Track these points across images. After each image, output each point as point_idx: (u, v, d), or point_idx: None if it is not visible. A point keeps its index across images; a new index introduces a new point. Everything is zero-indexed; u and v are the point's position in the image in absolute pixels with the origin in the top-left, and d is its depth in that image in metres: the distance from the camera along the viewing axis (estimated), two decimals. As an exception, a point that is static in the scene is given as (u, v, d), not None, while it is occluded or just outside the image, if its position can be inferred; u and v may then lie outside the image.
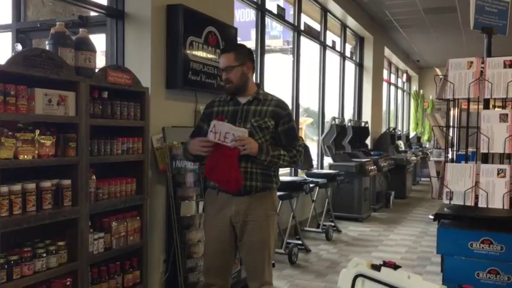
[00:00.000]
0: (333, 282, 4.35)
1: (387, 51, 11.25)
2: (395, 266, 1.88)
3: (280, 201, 4.95)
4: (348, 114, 9.30)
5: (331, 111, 8.38)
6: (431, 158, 13.46)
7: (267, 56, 5.65)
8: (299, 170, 6.62)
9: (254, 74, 2.92)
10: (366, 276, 1.92)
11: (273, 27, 7.33)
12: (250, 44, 6.38)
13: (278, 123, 2.72)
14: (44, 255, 2.39)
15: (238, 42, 4.42)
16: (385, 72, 11.83)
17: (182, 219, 3.39)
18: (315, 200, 6.15)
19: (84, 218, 2.60)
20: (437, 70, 6.64)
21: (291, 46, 6.83)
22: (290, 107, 6.01)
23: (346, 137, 8.01)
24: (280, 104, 2.78)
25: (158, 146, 3.41)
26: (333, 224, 6.45)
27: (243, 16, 6.59)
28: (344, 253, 5.41)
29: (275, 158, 2.65)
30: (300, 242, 5.36)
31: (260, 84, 2.88)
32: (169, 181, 3.39)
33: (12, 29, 3.84)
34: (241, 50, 2.81)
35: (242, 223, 2.70)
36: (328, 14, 7.83)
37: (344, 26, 8.75)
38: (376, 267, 1.90)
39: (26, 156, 2.29)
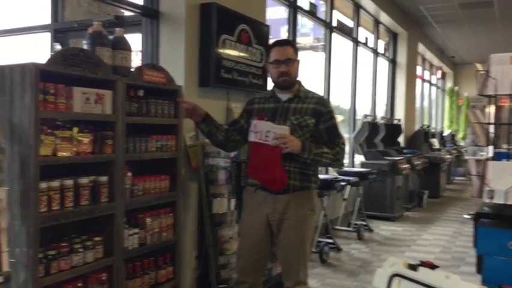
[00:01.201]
0: (365, 282, 4.31)
1: (421, 47, 11.03)
2: (432, 266, 1.84)
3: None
4: (380, 111, 9.17)
5: (363, 109, 8.28)
6: (466, 156, 13.18)
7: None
8: (330, 168, 6.57)
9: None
10: (402, 276, 1.88)
11: (303, 24, 7.28)
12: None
13: (319, 121, 2.69)
14: (81, 250, 2.44)
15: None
16: (419, 69, 11.60)
17: (214, 217, 3.42)
18: (346, 198, 6.10)
19: (120, 214, 2.65)
20: (478, 65, 6.47)
21: (322, 43, 6.77)
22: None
23: (378, 135, 7.90)
24: (321, 101, 2.76)
25: (191, 144, 3.44)
26: (364, 223, 6.38)
27: (273, 14, 6.57)
28: (376, 252, 5.34)
29: (318, 156, 2.62)
30: (331, 240, 5.33)
31: (300, 82, 2.85)
32: (201, 178, 3.42)
33: (51, 29, 3.95)
34: (295, 46, 2.83)
35: (279, 221, 2.69)
36: (360, 9, 7.73)
37: (377, 22, 8.62)
38: (413, 267, 1.86)
39: (64, 153, 2.34)
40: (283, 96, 2.76)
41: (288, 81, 2.73)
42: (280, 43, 2.81)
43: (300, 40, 7.02)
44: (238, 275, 2.87)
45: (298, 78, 2.81)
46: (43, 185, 2.24)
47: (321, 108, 2.72)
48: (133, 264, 2.81)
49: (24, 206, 2.18)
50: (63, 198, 2.35)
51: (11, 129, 2.20)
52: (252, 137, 2.70)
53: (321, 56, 6.71)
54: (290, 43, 2.86)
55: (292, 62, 2.71)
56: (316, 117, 2.69)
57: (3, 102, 2.23)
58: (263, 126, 2.66)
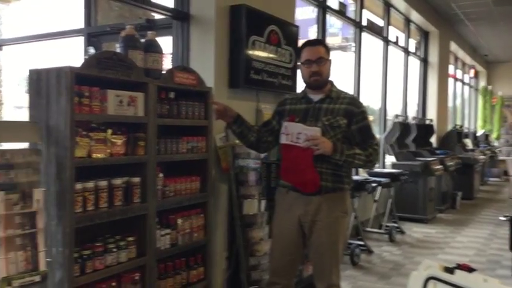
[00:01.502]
0: (398, 285, 4.23)
1: (453, 46, 10.79)
2: (470, 269, 1.80)
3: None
4: (412, 111, 9.01)
5: (394, 109, 8.16)
6: (500, 157, 12.83)
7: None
8: (360, 169, 6.49)
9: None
10: (438, 279, 1.84)
11: (332, 24, 7.23)
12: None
13: (351, 122, 2.65)
14: (115, 250, 2.49)
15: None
16: (451, 68, 11.36)
17: (244, 218, 3.42)
18: (377, 200, 6.02)
19: (152, 214, 2.68)
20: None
21: (350, 43, 6.71)
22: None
23: (409, 135, 7.77)
24: (353, 101, 2.72)
25: (221, 145, 3.45)
26: (396, 225, 6.28)
27: (301, 14, 6.54)
28: (408, 255, 5.25)
29: (350, 158, 2.57)
30: (362, 242, 5.26)
31: (333, 82, 2.81)
32: (231, 179, 3.43)
33: (84, 33, 4.03)
34: (327, 45, 2.79)
35: (310, 223, 2.66)
36: (391, 8, 7.62)
37: (408, 21, 8.48)
38: (450, 270, 1.82)
39: (98, 155, 2.39)
40: (315, 97, 2.74)
41: (320, 81, 2.70)
42: (311, 43, 2.78)
43: (329, 40, 6.97)
44: (270, 276, 2.86)
45: (330, 79, 2.78)
46: (78, 186, 2.29)
47: (354, 108, 2.68)
48: (165, 264, 2.84)
49: (61, 206, 2.23)
50: (97, 199, 2.39)
51: (48, 131, 2.26)
52: (283, 139, 2.69)
53: (350, 56, 6.64)
54: (322, 42, 2.82)
55: (323, 62, 2.68)
56: (348, 117, 2.65)
57: (40, 105, 2.29)
58: (294, 128, 2.64)
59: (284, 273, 2.78)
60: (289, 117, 2.72)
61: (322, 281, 2.71)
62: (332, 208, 2.66)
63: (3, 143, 2.36)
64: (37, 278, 2.11)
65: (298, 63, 2.80)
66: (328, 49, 2.77)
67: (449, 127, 10.77)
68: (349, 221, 5.17)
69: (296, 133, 2.61)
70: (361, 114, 2.68)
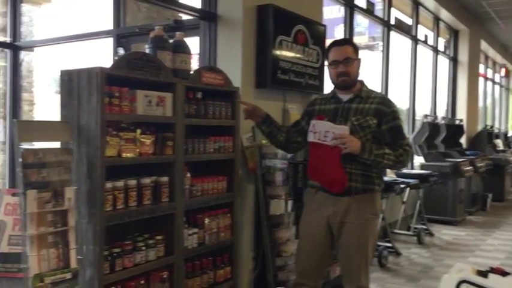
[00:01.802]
0: (427, 288, 4.17)
1: (484, 45, 10.55)
2: (503, 273, 1.75)
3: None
4: (441, 111, 8.85)
5: (422, 109, 8.02)
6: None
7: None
8: (388, 170, 6.40)
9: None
10: (471, 282, 1.80)
11: (358, 23, 7.16)
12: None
13: (381, 122, 2.59)
14: (144, 248, 2.51)
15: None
16: (481, 67, 11.10)
17: (271, 218, 3.41)
18: (405, 201, 5.93)
19: (180, 213, 2.70)
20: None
21: (377, 42, 6.63)
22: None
23: (439, 136, 7.63)
24: (384, 101, 2.66)
25: (248, 145, 3.45)
26: (425, 227, 6.17)
27: (327, 13, 6.49)
28: (438, 258, 5.15)
29: (379, 157, 2.52)
30: (390, 244, 5.18)
31: (363, 81, 2.77)
32: (258, 180, 3.42)
33: (113, 34, 4.09)
34: (355, 45, 2.75)
35: (339, 224, 2.63)
36: (419, 7, 7.50)
37: (437, 19, 8.33)
38: (483, 274, 1.78)
39: (128, 154, 2.41)
40: (344, 97, 2.70)
41: (348, 81, 2.66)
42: (338, 43, 2.74)
43: (355, 39, 6.91)
44: (296, 277, 2.84)
45: (359, 78, 2.74)
46: (108, 185, 2.32)
47: (384, 108, 2.62)
48: (192, 263, 2.86)
49: (91, 205, 2.27)
50: (127, 198, 2.43)
51: (79, 131, 2.30)
52: (311, 137, 2.66)
53: (378, 55, 6.56)
54: (349, 42, 2.78)
55: (351, 62, 2.64)
56: (378, 117, 2.59)
57: (71, 105, 2.33)
58: (322, 126, 2.61)
59: (311, 275, 2.76)
60: (318, 116, 2.70)
61: (351, 283, 2.67)
62: (362, 209, 2.61)
63: (36, 142, 2.41)
64: (68, 275, 2.15)
65: (326, 64, 2.76)
66: (356, 48, 2.72)
67: (480, 127, 10.53)
68: (378, 222, 5.12)
69: (324, 131, 2.59)
70: (391, 114, 2.62)
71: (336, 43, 2.75)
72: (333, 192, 2.62)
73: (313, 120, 2.67)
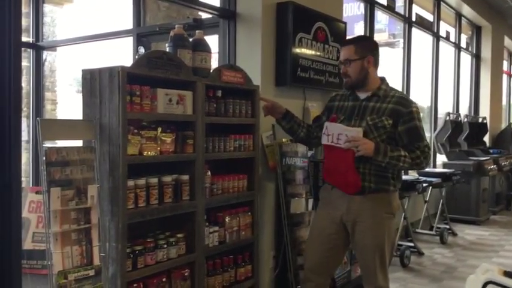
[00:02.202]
0: (450, 288, 4.11)
1: (507, 41, 10.33)
2: (532, 275, 1.71)
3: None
4: (464, 109, 8.70)
5: (444, 106, 7.90)
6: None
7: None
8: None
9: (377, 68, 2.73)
10: (497, 283, 1.76)
11: (378, 20, 7.06)
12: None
13: (398, 122, 2.53)
14: (165, 246, 2.52)
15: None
16: (505, 64, 10.88)
17: (292, 217, 3.40)
18: (427, 200, 5.84)
19: (201, 211, 2.70)
20: None
21: (398, 39, 6.54)
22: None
23: (461, 134, 7.51)
24: (402, 101, 2.58)
25: (268, 143, 3.44)
26: (447, 227, 6.07)
27: (346, 10, 6.43)
28: (461, 258, 5.06)
29: (394, 160, 2.47)
30: (412, 244, 5.11)
31: (385, 79, 2.72)
32: (279, 178, 3.41)
33: (133, 33, 4.12)
34: (364, 43, 2.69)
35: (353, 222, 2.60)
36: (441, 2, 7.38)
37: (459, 15, 8.19)
38: (510, 274, 1.74)
39: (149, 153, 2.43)
40: (362, 95, 2.66)
41: (349, 82, 2.64)
42: (344, 42, 2.74)
43: (376, 37, 6.84)
44: (305, 272, 2.81)
45: (380, 76, 2.70)
46: (130, 183, 2.34)
47: (401, 108, 2.55)
48: (213, 261, 2.86)
49: (114, 202, 2.28)
50: (148, 196, 2.44)
51: (101, 129, 2.31)
52: (324, 140, 2.64)
53: (398, 52, 6.48)
54: (354, 41, 2.71)
55: (349, 63, 2.60)
56: (394, 117, 2.53)
57: (93, 103, 2.35)
58: (334, 128, 2.59)
59: (319, 271, 2.73)
60: (331, 118, 2.67)
61: (369, 283, 2.66)
62: (376, 209, 2.58)
63: (59, 141, 2.44)
64: (91, 272, 2.17)
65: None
66: (364, 48, 2.64)
67: (504, 125, 10.33)
68: (397, 222, 5.05)
69: (337, 134, 2.56)
70: (409, 115, 2.54)
71: (343, 43, 2.76)
72: (347, 193, 2.61)
73: (326, 123, 2.65)
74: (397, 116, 2.54)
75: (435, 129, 7.23)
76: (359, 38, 3.12)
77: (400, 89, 6.30)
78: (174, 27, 2.73)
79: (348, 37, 4.32)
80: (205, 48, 2.76)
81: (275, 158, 3.42)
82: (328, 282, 2.85)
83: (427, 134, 7.51)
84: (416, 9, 6.68)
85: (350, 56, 2.61)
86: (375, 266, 2.60)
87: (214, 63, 3.40)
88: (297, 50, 3.62)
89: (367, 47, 2.67)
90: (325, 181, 2.76)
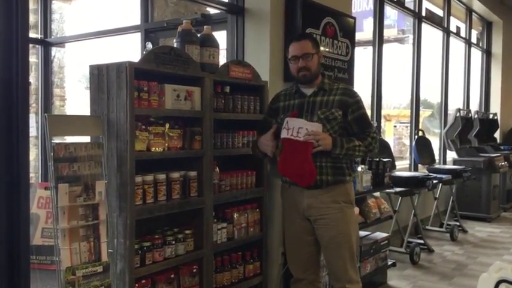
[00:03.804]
0: (461, 286, 4.05)
1: (519, 36, 10.21)
2: (546, 273, 1.67)
3: (400, 198, 4.74)
4: (474, 105, 8.61)
5: (454, 103, 7.82)
6: None
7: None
8: (419, 165, 6.28)
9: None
10: (510, 282, 1.72)
11: (387, 16, 7.00)
12: (364, 34, 6.17)
13: (347, 112, 2.59)
14: (173, 242, 2.51)
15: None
16: (516, 59, 10.75)
17: (300, 213, 3.37)
18: (437, 197, 5.79)
19: (209, 208, 2.69)
20: None
21: (407, 35, 6.48)
22: (409, 99, 5.67)
23: (472, 130, 7.43)
24: (347, 92, 2.65)
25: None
26: (458, 224, 6.02)
27: (355, 6, 6.37)
28: (472, 255, 5.01)
29: (350, 151, 2.54)
30: (421, 241, 5.07)
31: (325, 73, 2.79)
32: (287, 174, 3.38)
33: (141, 29, 4.11)
34: (314, 40, 2.75)
35: (315, 217, 2.62)
36: (451, -2, 7.30)
37: (469, 10, 8.09)
38: (524, 274, 1.70)
39: (157, 149, 2.42)
40: (308, 91, 2.68)
41: (308, 76, 2.64)
42: (296, 38, 2.74)
43: (385, 32, 6.79)
44: (294, 273, 2.82)
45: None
46: (138, 179, 2.33)
47: (348, 99, 2.61)
48: (221, 258, 2.85)
49: (122, 198, 2.28)
50: (156, 192, 2.43)
51: (109, 125, 2.30)
52: (284, 134, 2.64)
53: (407, 48, 6.42)
54: (308, 37, 2.76)
55: (310, 57, 2.62)
56: (343, 108, 2.59)
57: (101, 99, 2.35)
58: (295, 123, 2.60)
59: (305, 269, 2.75)
60: (292, 113, 2.67)
61: (339, 279, 2.66)
62: (335, 201, 2.61)
63: (67, 137, 2.44)
64: (99, 269, 2.17)
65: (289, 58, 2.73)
66: (316, 42, 2.72)
67: (515, 122, 10.22)
68: (406, 219, 5.01)
69: (297, 128, 2.57)
70: (355, 104, 2.62)
71: (294, 38, 2.75)
72: (302, 186, 2.61)
73: (288, 118, 2.64)
74: (345, 106, 2.60)
75: (445, 125, 7.16)
76: (307, 34, 3.20)
77: (409, 85, 6.26)
78: (182, 22, 2.71)
79: (356, 33, 4.28)
80: (213, 44, 2.74)
81: (283, 154, 3.39)
82: (320, 278, 2.85)
83: (437, 130, 7.47)
84: (426, 5, 6.61)
85: (309, 50, 2.63)
86: (344, 260, 2.62)
87: (223, 60, 3.38)
88: (306, 46, 3.58)
89: (317, 42, 2.78)
90: (280, 173, 2.75)
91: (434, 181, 5.14)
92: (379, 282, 4.02)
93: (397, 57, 6.91)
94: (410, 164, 6.29)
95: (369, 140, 2.61)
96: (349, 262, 2.62)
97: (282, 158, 2.69)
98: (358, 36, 4.57)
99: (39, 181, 4.59)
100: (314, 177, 2.56)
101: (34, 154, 4.69)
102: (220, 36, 3.53)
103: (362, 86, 4.96)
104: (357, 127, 2.62)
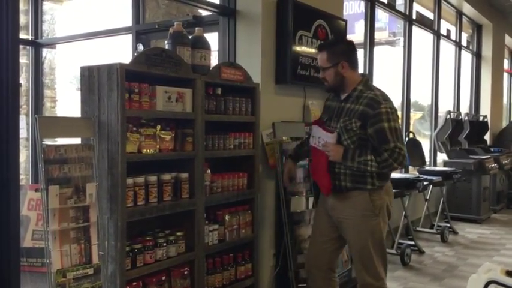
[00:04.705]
0: (451, 287, 4.09)
1: (508, 39, 10.30)
2: (534, 274, 1.69)
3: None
4: (464, 107, 8.68)
5: (444, 105, 7.87)
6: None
7: (373, 49, 5.44)
8: (410, 167, 6.31)
9: (357, 66, 2.76)
10: (500, 283, 1.74)
11: (378, 18, 7.03)
12: (355, 37, 6.20)
13: (365, 124, 2.54)
14: (164, 244, 2.51)
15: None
16: (506, 62, 10.85)
17: (292, 215, 3.38)
18: (428, 198, 5.83)
19: (200, 210, 2.69)
20: None
21: (398, 38, 6.52)
22: (400, 102, 5.65)
23: (462, 132, 7.48)
24: (370, 102, 2.55)
25: (268, 141, 3.42)
26: (448, 225, 6.06)
27: (346, 9, 6.39)
28: (462, 256, 5.05)
29: (362, 164, 2.53)
30: (412, 242, 5.10)
31: (364, 78, 2.72)
32: (279, 176, 3.39)
33: (133, 31, 4.10)
34: (336, 49, 2.69)
35: (337, 218, 2.73)
36: (442, 1, 7.35)
37: (460, 14, 8.16)
38: (512, 274, 1.72)
39: (148, 151, 2.41)
40: (342, 95, 2.73)
41: (327, 86, 2.74)
42: (319, 47, 2.81)
43: (376, 35, 6.83)
44: (306, 266, 2.93)
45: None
46: (129, 181, 2.32)
47: (368, 110, 2.53)
48: (213, 260, 2.84)
49: (113, 200, 2.27)
50: (147, 194, 2.42)
51: (99, 127, 2.30)
52: (311, 141, 2.76)
53: (398, 50, 6.46)
54: (325, 48, 2.73)
55: (325, 70, 2.69)
56: (362, 120, 2.54)
57: (92, 101, 2.34)
58: (316, 131, 2.70)
59: (321, 263, 2.82)
60: (315, 120, 2.77)
61: (358, 277, 2.76)
62: (354, 208, 2.64)
63: (57, 138, 2.42)
64: (90, 271, 2.16)
65: None
66: (333, 53, 2.67)
67: (504, 124, 10.31)
68: (396, 220, 5.03)
69: (317, 137, 2.69)
70: (375, 117, 2.51)
71: (318, 47, 2.84)
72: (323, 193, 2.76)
73: (312, 124, 2.76)
74: (364, 118, 2.55)
75: (436, 127, 7.21)
76: (332, 42, 3.17)
77: (400, 88, 6.28)
78: (174, 24, 2.71)
79: (348, 36, 4.30)
80: (205, 46, 2.74)
81: (275, 156, 3.40)
82: (332, 277, 2.88)
83: (427, 132, 7.51)
84: (416, 7, 6.66)
85: (323, 64, 2.69)
86: (361, 264, 2.70)
87: (214, 61, 3.38)
88: (297, 48, 3.60)
89: (340, 52, 2.67)
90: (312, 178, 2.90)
91: (425, 183, 5.17)
92: (370, 284, 4.03)
93: (388, 60, 6.95)
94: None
95: (385, 156, 2.49)
96: (364, 268, 2.68)
97: (311, 163, 2.85)
98: (350, 38, 4.59)
99: (30, 183, 4.56)
100: (328, 190, 2.66)
101: (24, 156, 4.66)
102: (212, 38, 3.53)
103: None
104: (375, 141, 2.54)
